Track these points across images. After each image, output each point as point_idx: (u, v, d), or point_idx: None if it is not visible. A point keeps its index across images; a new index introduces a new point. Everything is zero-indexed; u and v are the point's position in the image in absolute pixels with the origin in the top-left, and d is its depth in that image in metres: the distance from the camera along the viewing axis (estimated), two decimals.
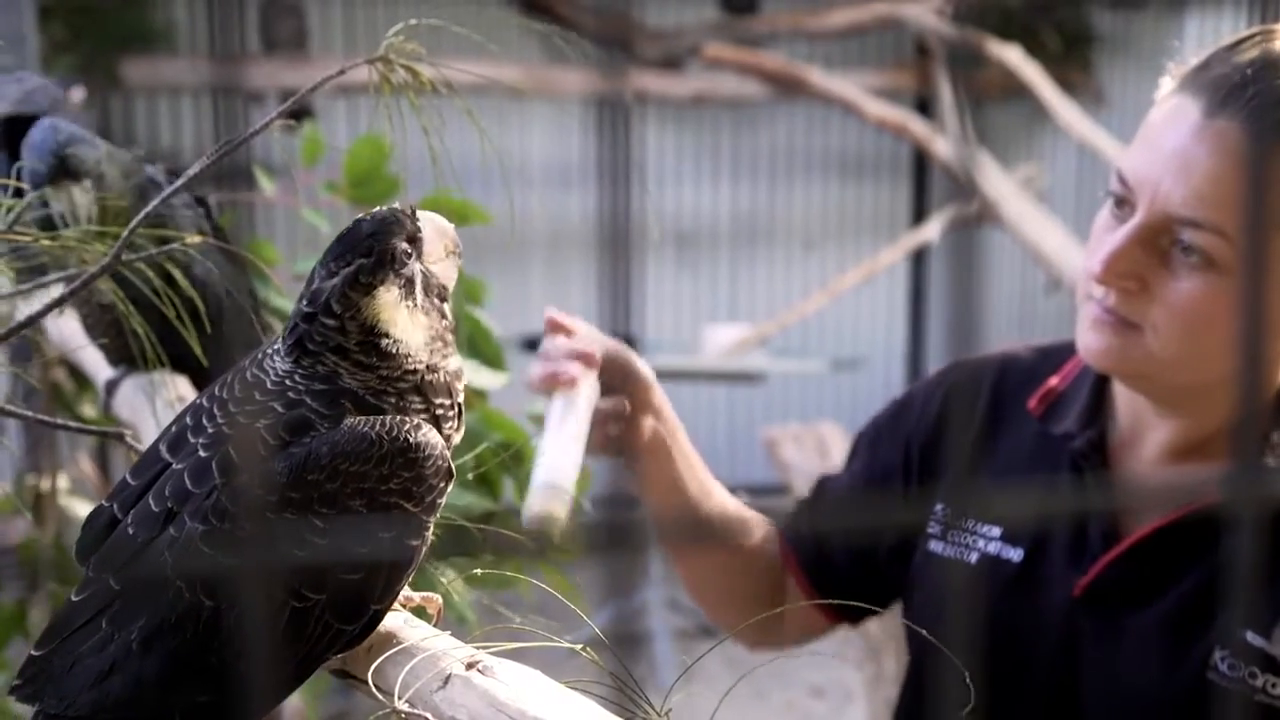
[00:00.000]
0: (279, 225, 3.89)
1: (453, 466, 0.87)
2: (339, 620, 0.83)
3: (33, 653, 0.88)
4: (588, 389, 1.25)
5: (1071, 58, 5.99)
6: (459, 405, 0.90)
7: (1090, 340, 1.18)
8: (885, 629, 3.00)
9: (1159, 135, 1.14)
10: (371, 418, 0.84)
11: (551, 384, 1.24)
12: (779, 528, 1.48)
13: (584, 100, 5.87)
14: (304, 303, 0.86)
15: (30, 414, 1.01)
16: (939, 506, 1.33)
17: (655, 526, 1.41)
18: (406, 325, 0.86)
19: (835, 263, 6.45)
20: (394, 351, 0.85)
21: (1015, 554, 1.26)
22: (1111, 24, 6.16)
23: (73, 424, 1.05)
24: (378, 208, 0.88)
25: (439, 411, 0.88)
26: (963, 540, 1.29)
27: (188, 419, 0.89)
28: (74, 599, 0.87)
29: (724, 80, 5.76)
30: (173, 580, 0.82)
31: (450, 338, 0.90)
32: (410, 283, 0.86)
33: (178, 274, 1.08)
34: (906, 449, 1.39)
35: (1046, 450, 1.29)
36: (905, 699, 1.41)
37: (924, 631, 0.99)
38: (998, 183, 4.56)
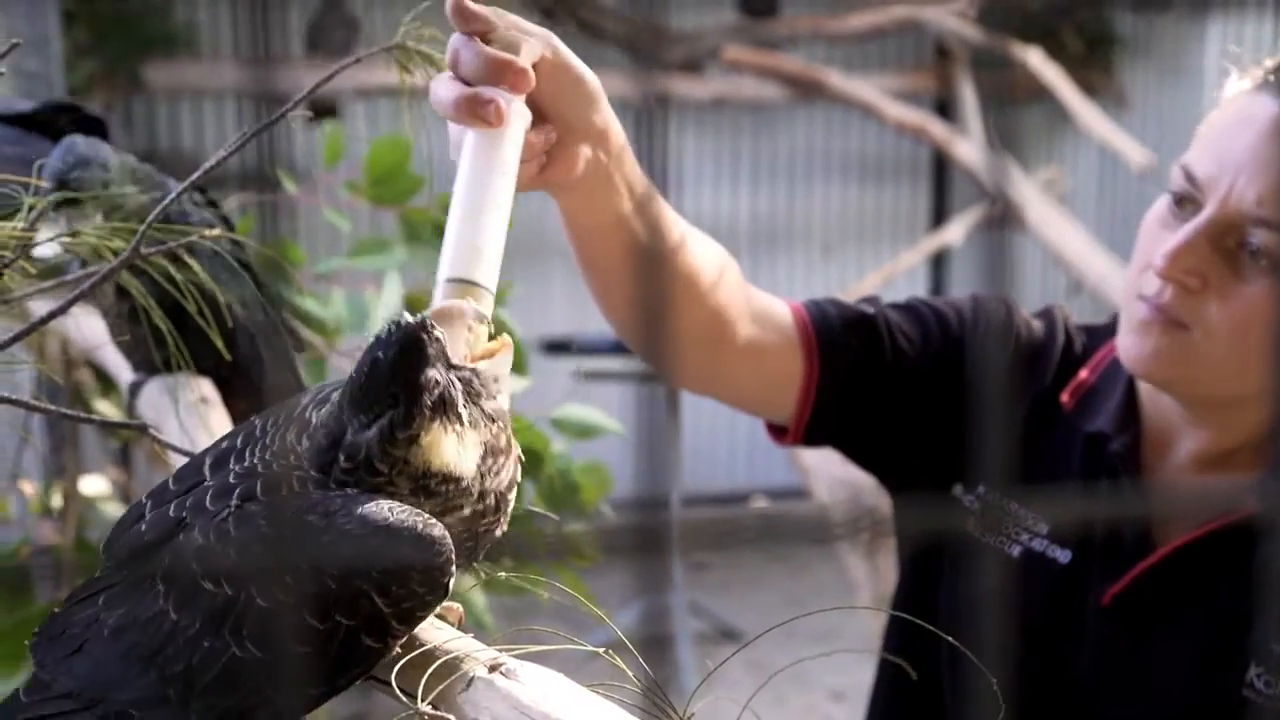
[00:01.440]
0: (300, 225, 3.91)
1: (451, 585, 0.79)
2: (269, 685, 0.78)
3: (54, 611, 0.89)
4: (516, 122, 0.91)
5: (1093, 60, 5.96)
6: (507, 507, 0.84)
7: (1133, 343, 1.15)
8: None
9: (1232, 134, 1.11)
10: (393, 502, 0.77)
11: (469, 114, 0.89)
12: (802, 305, 1.29)
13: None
14: (342, 458, 0.78)
15: (54, 408, 1.01)
16: (980, 487, 1.26)
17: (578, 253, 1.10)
18: (458, 454, 0.78)
19: (855, 266, 6.44)
20: (446, 490, 0.78)
21: (1063, 555, 1.22)
22: (1133, 27, 6.14)
23: (95, 417, 1.05)
24: (389, 328, 0.77)
25: (481, 529, 0.83)
26: (1004, 529, 1.24)
27: (238, 441, 0.87)
28: (95, 576, 0.88)
29: (743, 83, 5.76)
30: (157, 584, 0.82)
31: (505, 438, 0.82)
32: (450, 404, 0.77)
33: (197, 268, 1.09)
34: (952, 376, 1.28)
35: (1085, 449, 1.24)
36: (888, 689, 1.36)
37: (924, 623, 0.97)
38: (1019, 186, 4.54)
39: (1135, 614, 1.19)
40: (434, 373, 0.76)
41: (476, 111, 0.89)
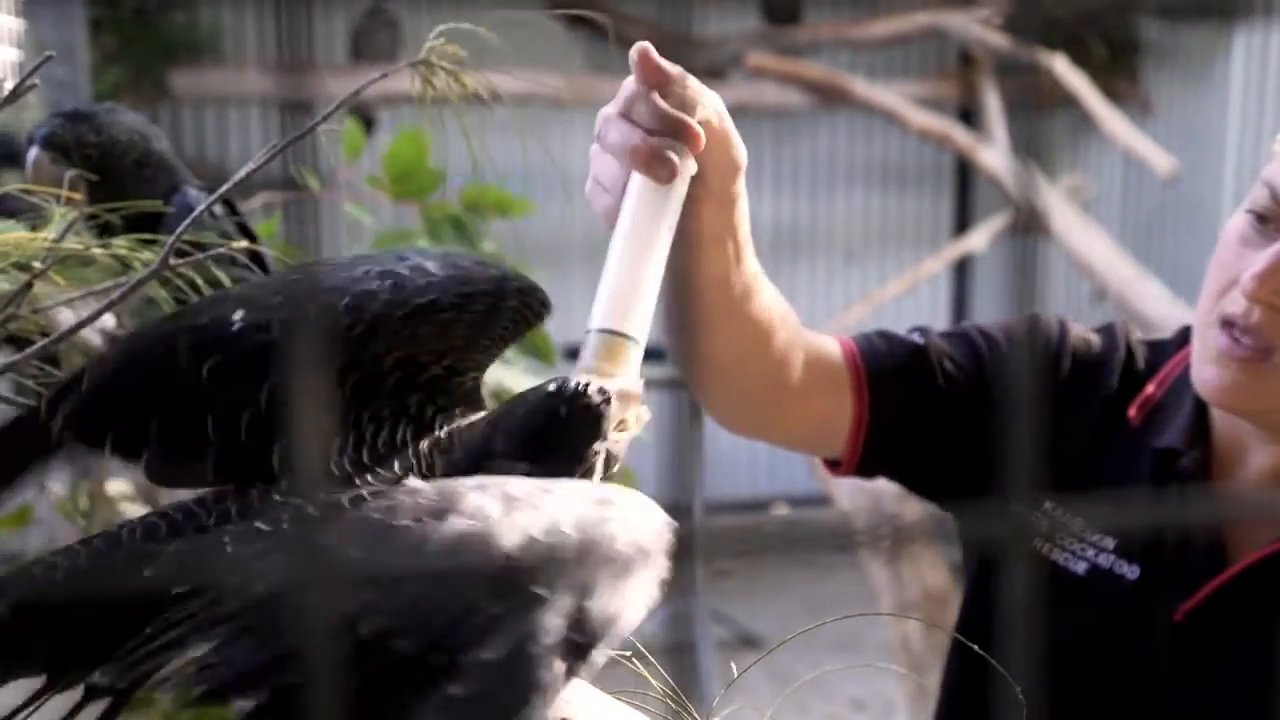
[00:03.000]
0: (324, 225, 3.92)
1: None
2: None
3: None
4: (684, 178, 0.92)
5: (1118, 67, 5.94)
6: None
7: (1212, 375, 1.12)
8: (929, 642, 2.98)
9: None
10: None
11: (646, 166, 0.91)
12: (853, 341, 1.26)
13: None
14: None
15: None
16: (1047, 503, 1.21)
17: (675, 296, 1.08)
18: None
19: (877, 272, 6.43)
20: None
21: (1131, 571, 1.19)
22: (1158, 33, 6.11)
23: None
24: (576, 389, 0.81)
25: None
26: (1069, 546, 1.22)
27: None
28: None
29: (766, 90, 5.76)
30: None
31: None
32: (591, 473, 0.81)
33: (224, 277, 1.09)
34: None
35: (1152, 464, 1.21)
36: (954, 699, 1.33)
37: (971, 645, 0.97)
38: (1043, 193, 4.53)
39: (1208, 631, 1.16)
40: (599, 445, 0.80)
41: (653, 166, 0.90)
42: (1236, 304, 1.10)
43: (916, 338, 1.26)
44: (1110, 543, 1.20)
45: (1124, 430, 1.24)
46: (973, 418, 1.24)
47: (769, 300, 1.14)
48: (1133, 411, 1.24)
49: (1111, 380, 1.25)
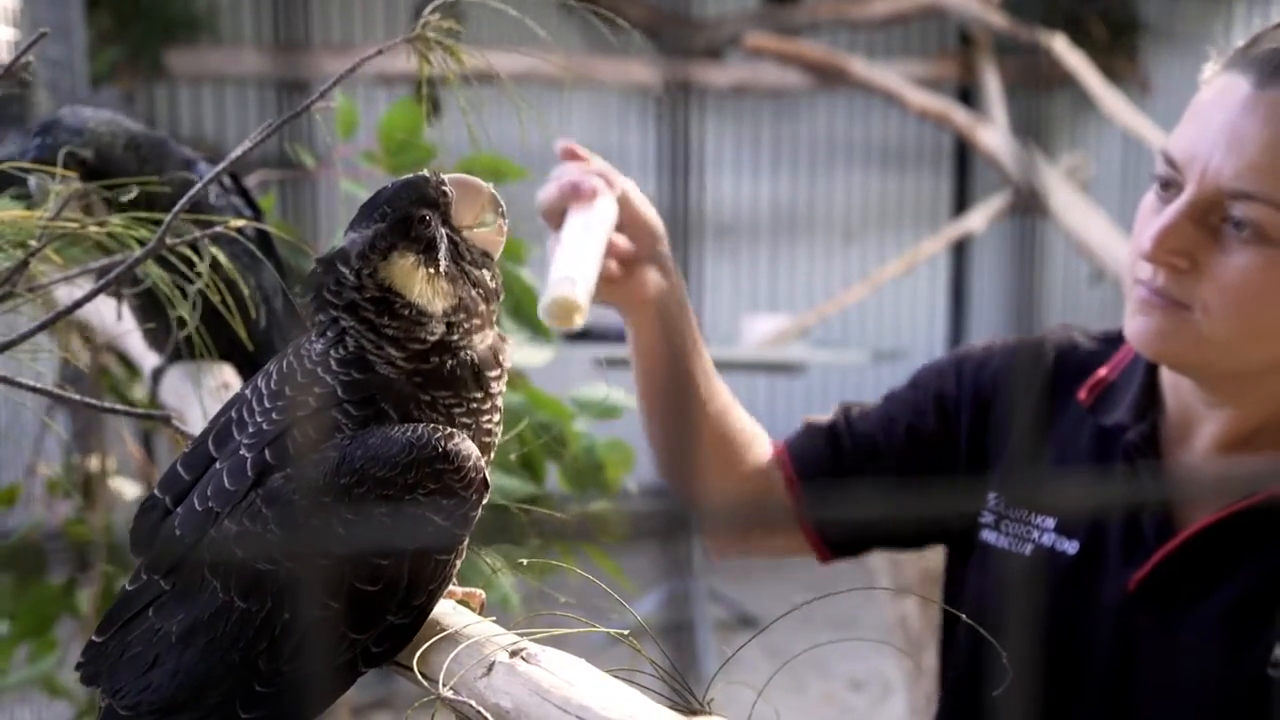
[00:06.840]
0: (321, 200, 3.92)
1: (488, 478, 0.84)
2: (352, 630, 0.82)
3: (93, 638, 0.90)
4: (605, 208, 1.20)
5: (1117, 47, 5.93)
6: (494, 394, 0.88)
7: (1138, 325, 1.16)
8: (926, 622, 2.99)
9: (1207, 113, 1.13)
10: (405, 425, 0.83)
11: (571, 194, 1.20)
12: (788, 440, 1.44)
13: (623, 90, 5.87)
14: (327, 268, 0.86)
15: (78, 397, 1.02)
16: (992, 496, 1.30)
17: (643, 383, 1.35)
18: (425, 292, 0.84)
19: (876, 253, 6.42)
20: (406, 314, 0.84)
21: (1070, 546, 1.24)
22: (1157, 12, 6.09)
23: (119, 407, 1.05)
24: (408, 175, 0.87)
25: (473, 405, 0.86)
26: (1017, 531, 1.27)
27: (233, 412, 0.90)
28: (128, 588, 0.89)
29: (765, 70, 5.74)
30: (209, 580, 0.84)
31: (485, 309, 0.87)
32: (430, 248, 0.84)
33: (222, 258, 1.09)
34: (954, 418, 1.36)
35: (1098, 442, 1.26)
36: (952, 698, 1.38)
37: (967, 618, 0.98)
38: (1043, 173, 4.52)
39: (1161, 599, 1.19)
40: (427, 214, 0.85)
41: (578, 191, 1.20)
42: (1144, 269, 1.15)
43: (831, 416, 1.44)
44: (1050, 522, 1.26)
45: (1076, 410, 1.29)
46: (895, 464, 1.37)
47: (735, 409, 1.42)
48: (1083, 393, 1.29)
49: (1059, 366, 1.33)
